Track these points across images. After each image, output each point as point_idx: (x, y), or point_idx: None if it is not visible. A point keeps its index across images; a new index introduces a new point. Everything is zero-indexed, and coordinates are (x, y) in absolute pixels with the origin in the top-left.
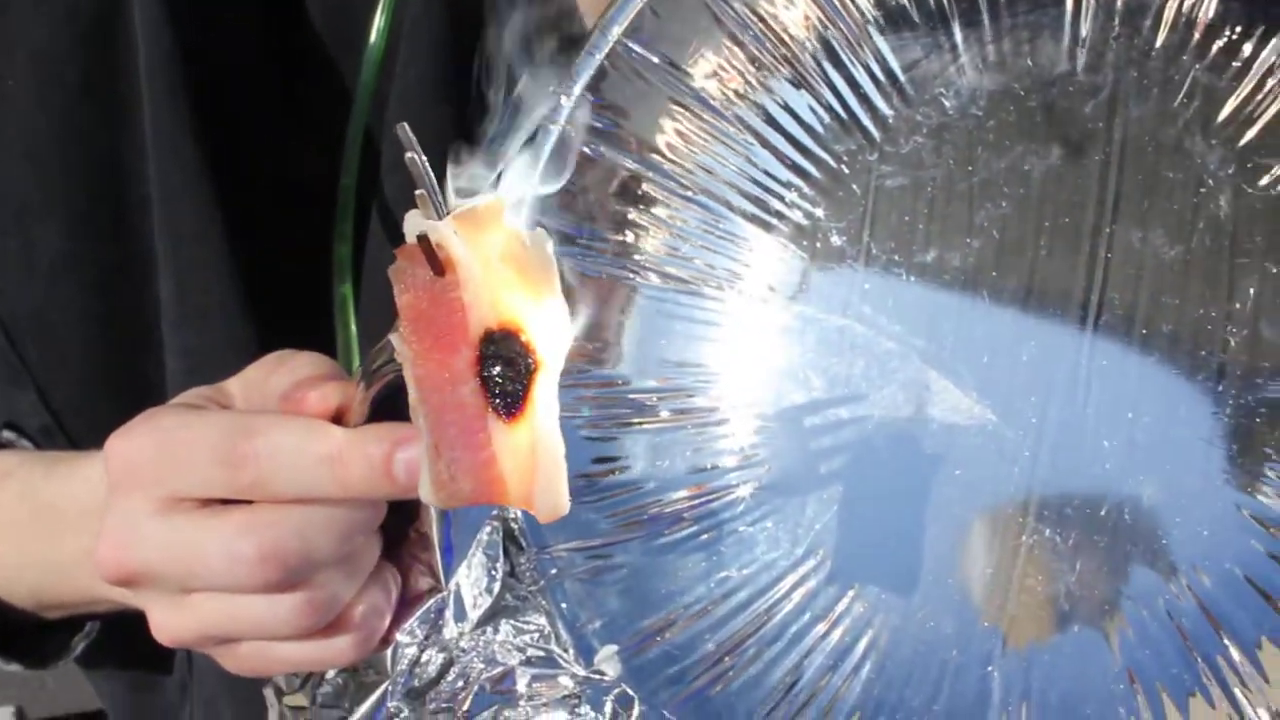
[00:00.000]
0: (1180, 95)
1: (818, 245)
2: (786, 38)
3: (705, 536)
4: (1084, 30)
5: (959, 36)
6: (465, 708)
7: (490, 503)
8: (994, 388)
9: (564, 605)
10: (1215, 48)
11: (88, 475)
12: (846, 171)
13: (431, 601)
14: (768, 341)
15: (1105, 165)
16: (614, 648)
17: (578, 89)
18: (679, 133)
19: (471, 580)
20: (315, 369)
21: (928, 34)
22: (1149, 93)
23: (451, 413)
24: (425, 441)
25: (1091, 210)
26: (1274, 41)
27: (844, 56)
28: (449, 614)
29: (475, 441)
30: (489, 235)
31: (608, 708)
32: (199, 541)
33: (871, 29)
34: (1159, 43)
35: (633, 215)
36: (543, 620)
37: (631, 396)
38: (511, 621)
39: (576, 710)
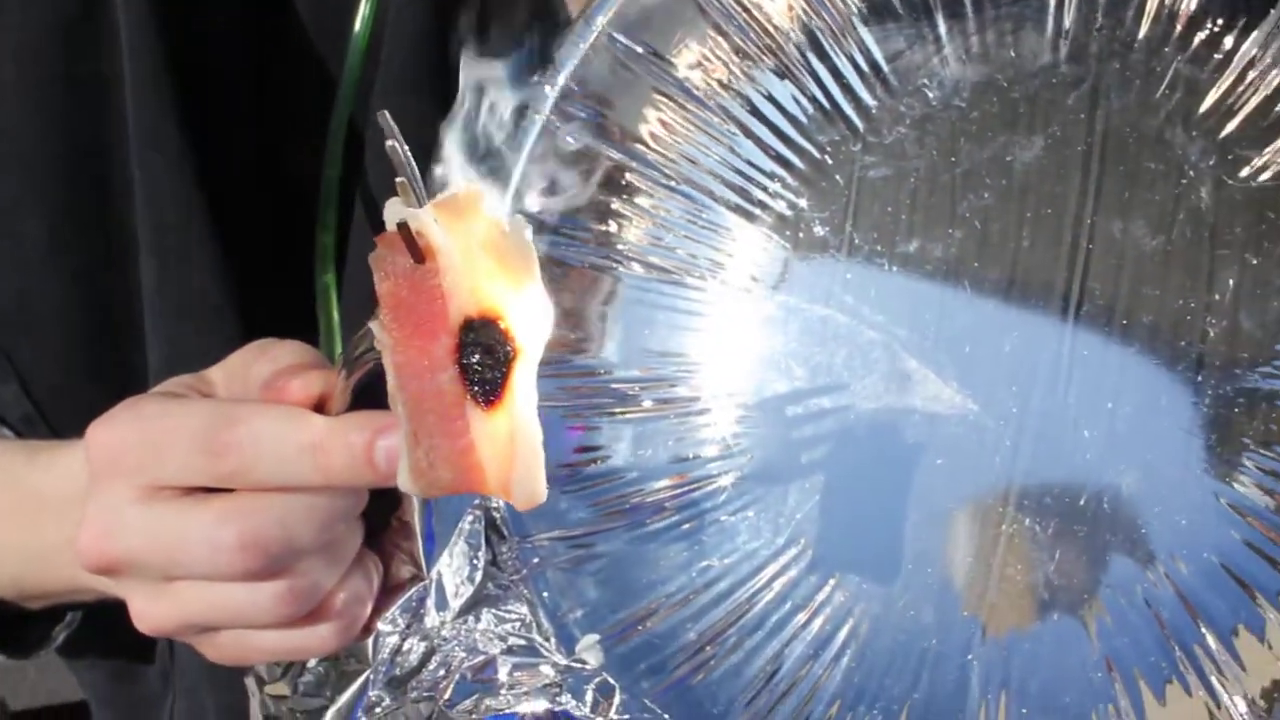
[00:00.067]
0: (1162, 87)
1: (800, 235)
2: (770, 28)
3: (687, 526)
4: (1066, 22)
5: (942, 28)
6: (447, 696)
7: (468, 491)
8: (975, 378)
9: (545, 594)
10: (1197, 40)
11: (69, 464)
12: (830, 162)
13: (413, 590)
14: (750, 331)
15: (1087, 156)
16: (595, 637)
17: (562, 78)
18: (663, 122)
19: (453, 569)
20: (297, 357)
21: (911, 25)
22: (1131, 84)
23: (430, 400)
24: (404, 429)
25: (1073, 201)
26: (1255, 34)
27: (828, 47)
28: (430, 603)
29: (454, 429)
30: (469, 223)
31: (589, 696)
32: (180, 530)
33: (855, 20)
34: (1141, 35)
35: (616, 205)
36: (524, 609)
37: (614, 386)
38: (493, 610)
39: (558, 699)
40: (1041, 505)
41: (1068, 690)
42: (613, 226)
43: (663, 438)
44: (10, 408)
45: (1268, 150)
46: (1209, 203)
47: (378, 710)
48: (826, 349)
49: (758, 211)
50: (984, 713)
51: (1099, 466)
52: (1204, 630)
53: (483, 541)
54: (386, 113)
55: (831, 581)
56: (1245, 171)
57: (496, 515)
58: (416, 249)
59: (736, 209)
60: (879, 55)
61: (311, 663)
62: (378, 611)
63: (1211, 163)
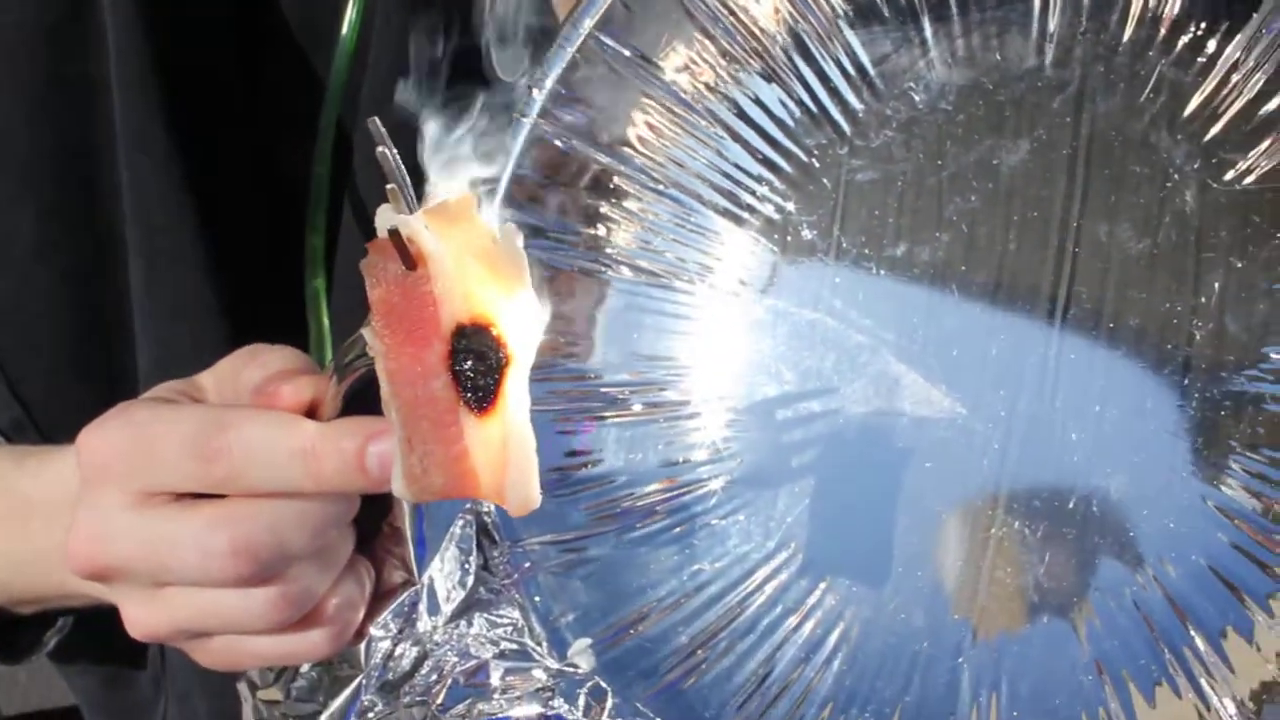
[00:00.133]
0: (1146, 90)
1: (788, 239)
2: (757, 31)
3: (678, 530)
4: (1051, 26)
5: (928, 31)
6: (439, 701)
7: (462, 496)
8: (963, 381)
9: (537, 598)
10: (1181, 43)
11: (59, 469)
12: (817, 165)
13: (405, 595)
14: (739, 335)
15: (1073, 160)
16: (587, 641)
17: (549, 81)
18: (650, 126)
19: (445, 574)
20: (287, 363)
21: (897, 28)
22: (1115, 88)
23: (424, 407)
24: (398, 435)
25: (1059, 204)
26: (1238, 38)
27: (814, 50)
28: (422, 607)
29: (447, 435)
30: (460, 229)
31: (581, 700)
32: (171, 535)
33: (842, 23)
34: (1125, 38)
35: (604, 209)
36: (516, 613)
37: (603, 390)
38: (485, 615)
39: (550, 703)
40: (1030, 508)
41: (1058, 693)
42: (601, 230)
43: (653, 441)
44: None
45: (1252, 154)
46: (1194, 206)
47: (371, 715)
48: (815, 353)
49: (746, 215)
50: (975, 715)
51: (1087, 469)
52: (1193, 633)
53: (474, 546)
54: (377, 119)
55: (822, 585)
56: (1230, 175)
57: (487, 520)
58: (408, 255)
59: (724, 213)
60: (865, 59)
61: (304, 668)
62: (370, 616)
63: (1196, 166)
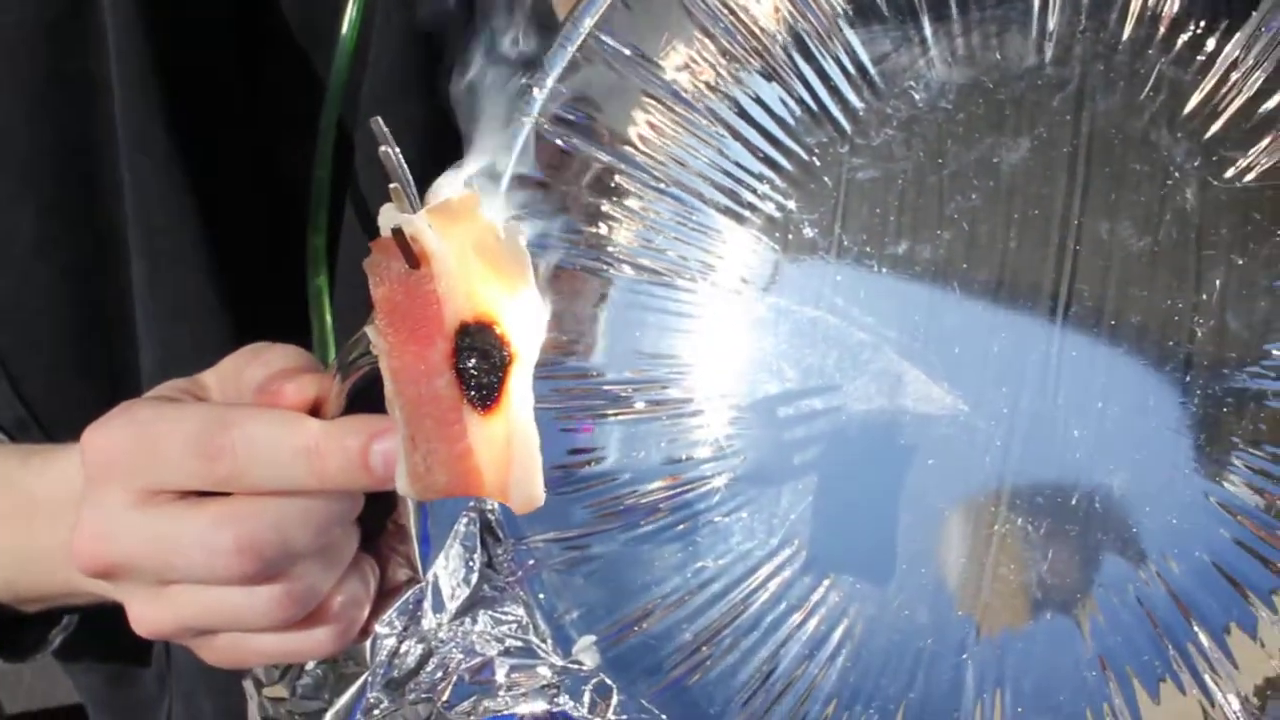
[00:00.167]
0: (1146, 89)
1: (790, 237)
2: (757, 30)
3: (681, 527)
4: (1051, 24)
5: (928, 30)
6: (445, 698)
7: (466, 494)
8: (965, 378)
9: (541, 596)
10: (1180, 42)
11: (63, 468)
12: (818, 164)
13: (410, 593)
14: (741, 333)
15: (1073, 158)
16: (592, 638)
17: (550, 81)
18: (651, 125)
19: (449, 571)
20: (291, 361)
21: (897, 27)
22: (1115, 86)
23: (427, 405)
24: (402, 433)
25: (1060, 202)
26: (1237, 36)
27: (814, 49)
28: (427, 605)
29: (451, 433)
30: (463, 228)
31: (587, 697)
32: (176, 533)
33: (841, 22)
34: (1125, 36)
35: (606, 207)
36: (520, 611)
37: (606, 388)
38: (489, 612)
39: (556, 700)
40: (1033, 505)
41: (1062, 689)
42: (603, 229)
43: (656, 439)
44: (2, 411)
45: (1252, 151)
46: (1194, 204)
47: (376, 712)
48: (817, 350)
49: (747, 214)
50: (979, 712)
51: (1089, 466)
52: (1196, 628)
53: (478, 544)
54: (380, 119)
55: (826, 582)
56: (1230, 172)
57: (491, 518)
58: (411, 254)
59: (726, 211)
60: (865, 57)
61: (310, 665)
62: (375, 614)
63: (1196, 164)
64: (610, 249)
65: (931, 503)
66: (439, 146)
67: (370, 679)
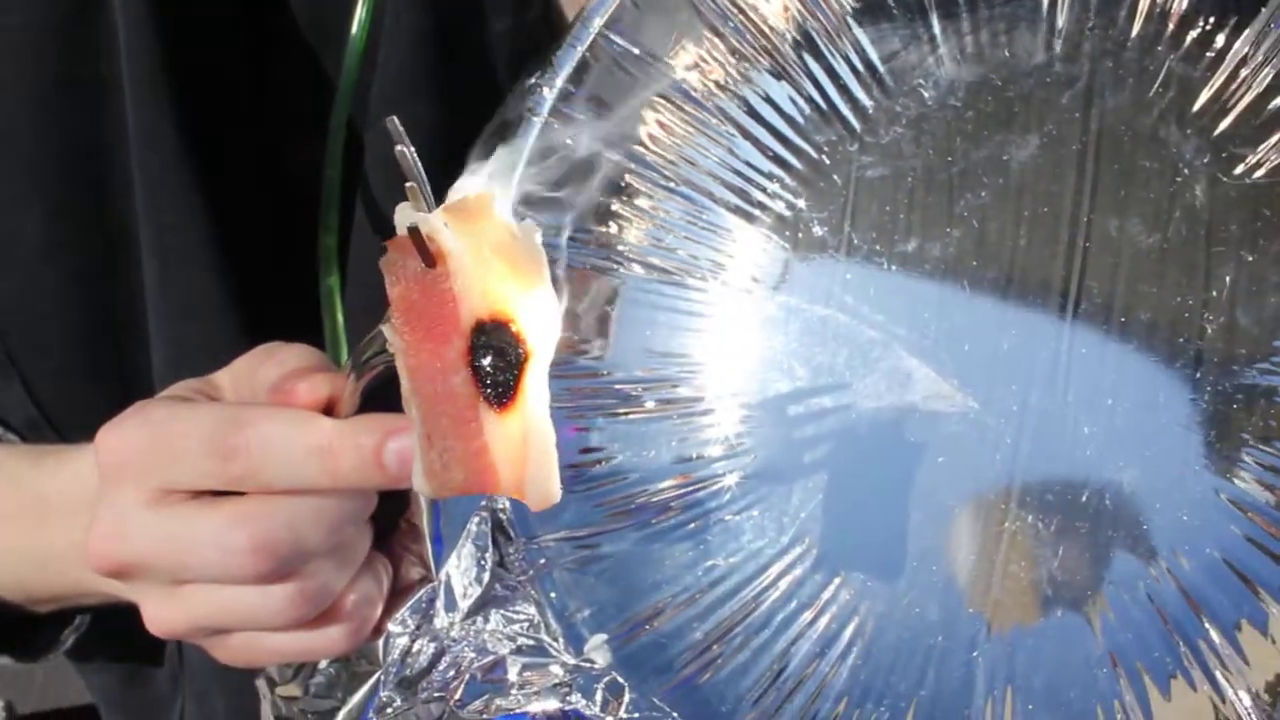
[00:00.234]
0: (1155, 85)
1: (800, 236)
2: (766, 29)
3: (692, 525)
4: (1060, 21)
5: (937, 28)
6: (457, 697)
7: (482, 491)
8: (975, 376)
9: (553, 595)
10: (1189, 38)
11: (76, 468)
12: (827, 162)
13: (422, 591)
14: (751, 332)
15: (1082, 155)
16: (603, 636)
17: (559, 80)
18: (661, 124)
19: (461, 570)
20: (304, 361)
21: (906, 25)
22: (1124, 83)
23: (444, 403)
24: (418, 431)
25: (1069, 199)
26: (1246, 32)
27: (823, 48)
28: (440, 604)
29: (467, 431)
30: (479, 227)
31: (599, 695)
32: (190, 533)
33: (850, 20)
34: (1134, 33)
35: (616, 206)
36: (532, 610)
37: (617, 387)
38: (501, 611)
39: (567, 698)
40: (1043, 502)
41: (1072, 686)
42: (613, 228)
43: (666, 438)
44: (15, 411)
45: (1261, 147)
46: (1204, 200)
47: (389, 711)
48: (827, 349)
49: (757, 212)
50: (990, 709)
51: (1099, 463)
52: (1207, 625)
53: (490, 543)
54: (395, 119)
55: (837, 579)
56: (1239, 169)
57: (503, 517)
58: (427, 253)
59: (736, 210)
60: (874, 56)
61: (323, 664)
62: (388, 613)
63: (1206, 160)
64: (620, 248)
65: (942, 500)
66: (448, 147)
67: (383, 677)
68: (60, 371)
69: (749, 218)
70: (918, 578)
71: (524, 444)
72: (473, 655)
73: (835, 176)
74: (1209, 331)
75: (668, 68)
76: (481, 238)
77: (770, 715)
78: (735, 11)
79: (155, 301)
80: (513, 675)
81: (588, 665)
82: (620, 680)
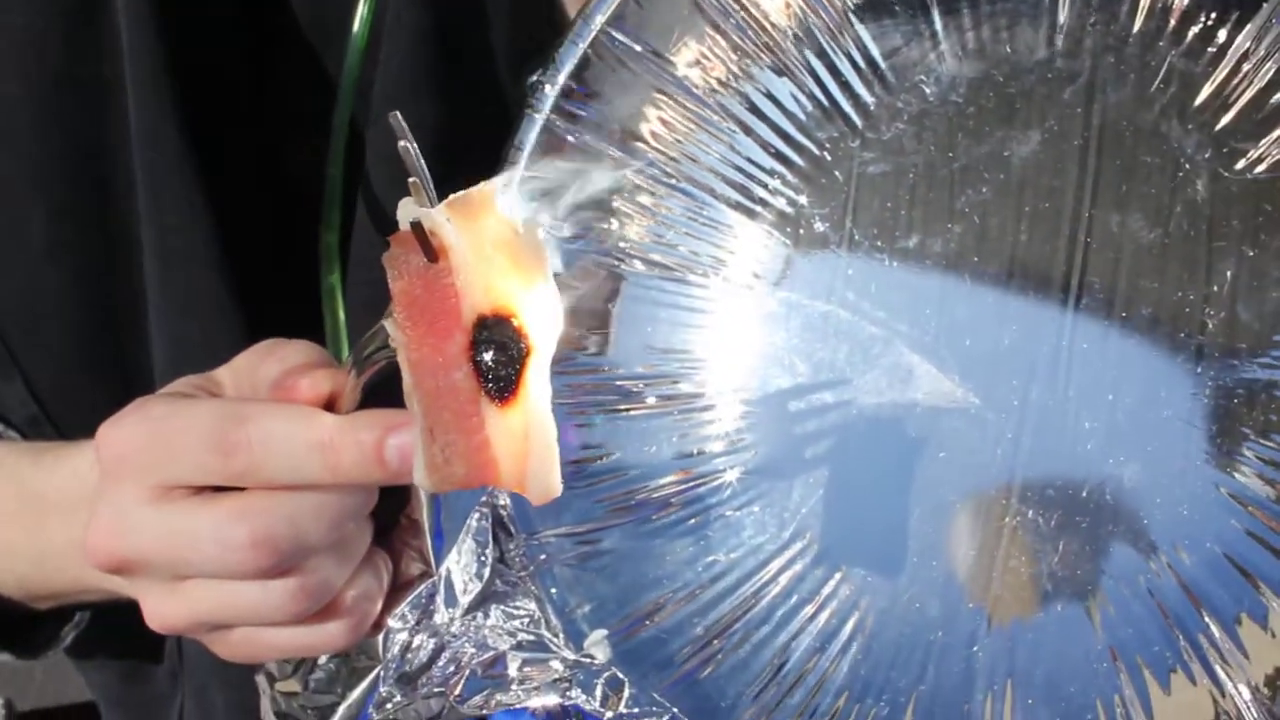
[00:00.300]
0: (1157, 81)
1: (801, 232)
2: (768, 25)
3: (693, 521)
4: (1061, 17)
5: (939, 24)
6: (457, 692)
7: (483, 485)
8: (976, 371)
9: (553, 590)
10: (1191, 34)
11: (76, 465)
12: (829, 158)
13: (422, 587)
14: (753, 327)
15: (1084, 150)
16: (603, 632)
17: (561, 77)
18: (663, 121)
19: (461, 566)
20: (305, 357)
21: (907, 21)
22: (1126, 78)
23: (445, 397)
24: (419, 425)
25: (1071, 195)
26: (1248, 27)
27: (825, 44)
28: (440, 599)
29: (469, 425)
30: (481, 222)
31: (599, 691)
32: (191, 529)
33: (852, 16)
34: (1135, 29)
35: (617, 203)
36: (532, 605)
37: (618, 383)
38: (502, 607)
39: (567, 694)
40: (1044, 497)
41: (1073, 680)
42: (614, 224)
43: (667, 434)
44: (15, 409)
45: (1263, 142)
46: (1205, 195)
47: (389, 706)
48: (828, 344)
49: (758, 209)
50: (989, 704)
51: (1100, 458)
52: (1207, 619)
53: (490, 539)
54: (398, 114)
55: (837, 575)
56: (1241, 164)
57: (503, 512)
58: (430, 248)
59: (737, 206)
60: (876, 52)
61: (322, 660)
62: (388, 608)
63: (1207, 155)
64: (622, 244)
65: (942, 495)
66: (449, 145)
67: (383, 673)
68: (61, 369)
69: (750, 214)
70: (918, 573)
71: (525, 438)
72: (473, 651)
73: (837, 172)
74: (1210, 326)
75: (669, 64)
76: (484, 233)
77: (770, 710)
78: (737, 8)
79: (156, 300)
80: (513, 671)
81: (588, 661)
82: (620, 675)
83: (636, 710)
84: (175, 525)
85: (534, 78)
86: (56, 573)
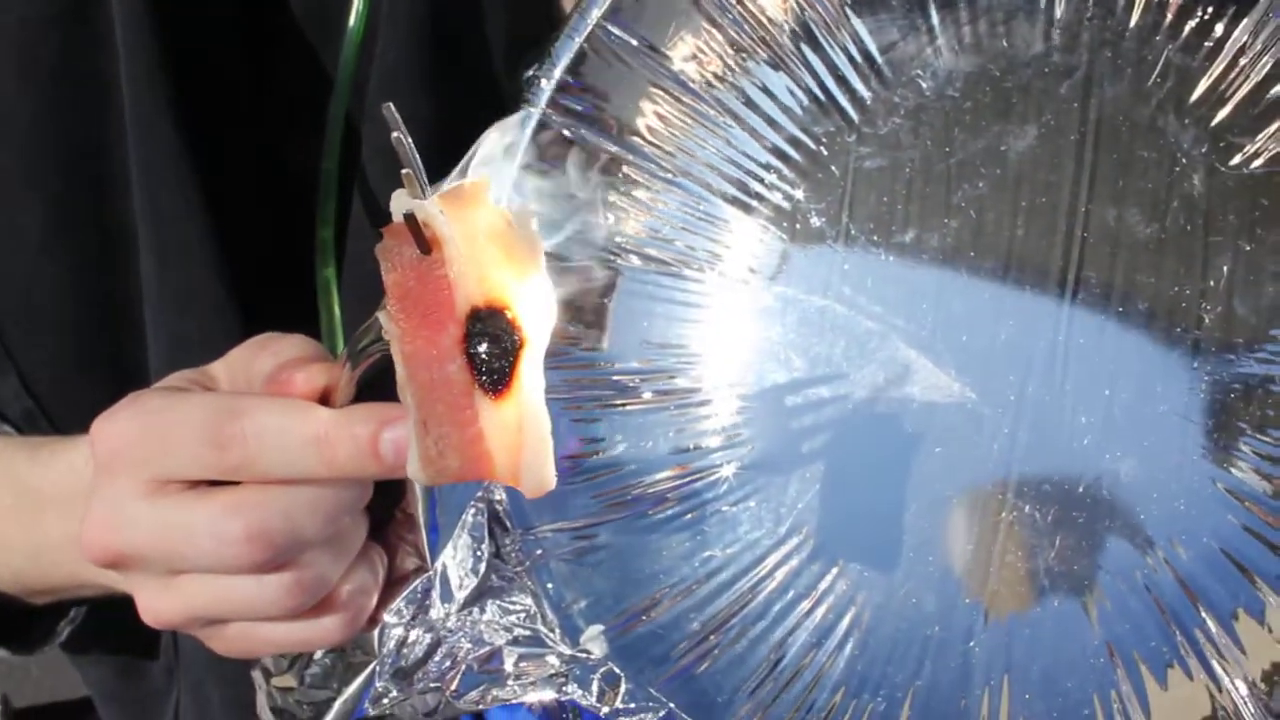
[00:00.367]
0: (1154, 75)
1: (797, 226)
2: (764, 20)
3: (689, 516)
4: (1058, 12)
5: (935, 18)
6: (454, 687)
7: (477, 478)
8: (973, 366)
9: (549, 585)
10: (1187, 28)
11: (71, 460)
12: (825, 153)
13: (418, 582)
14: (749, 322)
15: (1080, 145)
16: (600, 627)
17: (557, 72)
18: (659, 115)
19: (457, 561)
20: (300, 351)
21: (904, 16)
22: (1123, 73)
23: (439, 389)
24: (413, 418)
25: (1067, 190)
26: (1245, 22)
27: (822, 39)
28: (435, 595)
29: (462, 418)
30: (474, 214)
31: (595, 686)
32: (186, 523)
33: (849, 11)
34: (1132, 23)
35: (613, 197)
36: (528, 600)
37: (614, 378)
38: (498, 602)
39: (563, 688)
40: (1040, 492)
41: (1069, 675)
42: (610, 219)
43: (663, 429)
44: (10, 403)
45: (1259, 137)
46: (1202, 190)
47: (385, 701)
48: (825, 339)
49: (755, 203)
50: (986, 698)
51: (1097, 453)
52: (1204, 614)
53: (486, 534)
54: (391, 105)
55: (834, 570)
56: (1237, 159)
57: (499, 507)
58: (423, 240)
59: (734, 201)
60: (872, 46)
61: (318, 654)
62: (383, 603)
63: (1204, 150)
64: (618, 239)
65: (939, 490)
66: (444, 138)
67: (378, 668)
68: (57, 364)
69: (747, 209)
70: (915, 568)
71: (519, 431)
72: (469, 646)
73: (833, 167)
74: (1207, 321)
75: (666, 59)
76: (477, 225)
77: (767, 706)
78: (733, 3)
79: (152, 295)
80: (509, 666)
81: (584, 656)
82: (616, 671)
83: (633, 705)
84: (170, 519)
85: (530, 72)
86: (52, 567)
